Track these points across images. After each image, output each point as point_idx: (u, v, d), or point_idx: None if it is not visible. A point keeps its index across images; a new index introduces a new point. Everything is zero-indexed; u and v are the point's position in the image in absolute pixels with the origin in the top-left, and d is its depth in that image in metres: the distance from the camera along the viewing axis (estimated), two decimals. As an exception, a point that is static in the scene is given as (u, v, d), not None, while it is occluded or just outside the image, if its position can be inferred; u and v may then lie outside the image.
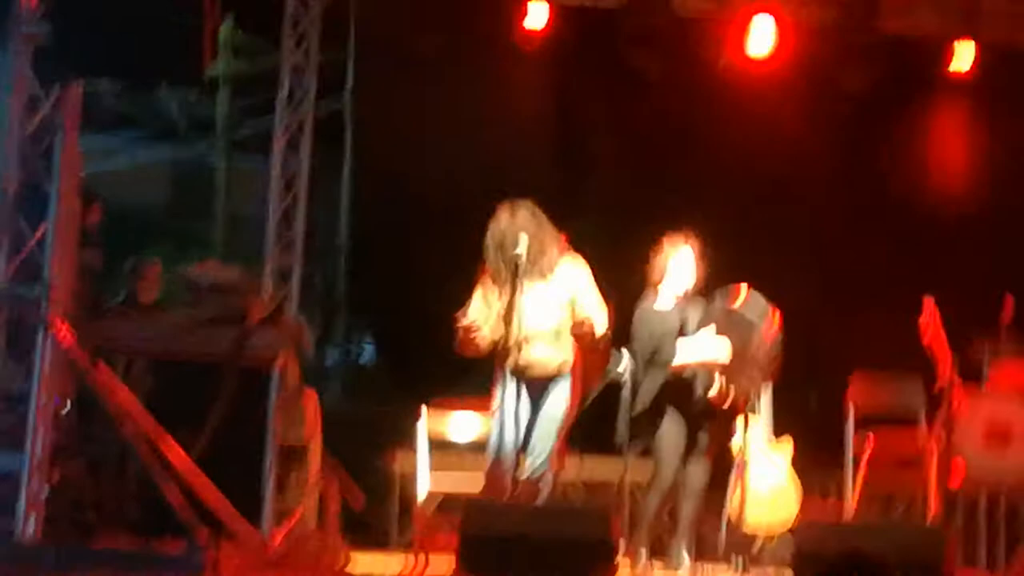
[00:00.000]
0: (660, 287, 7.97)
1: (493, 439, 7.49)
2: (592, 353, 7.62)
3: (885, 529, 7.75)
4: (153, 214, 14.16)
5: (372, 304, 11.86)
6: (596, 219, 11.52)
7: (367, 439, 9.61)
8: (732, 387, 7.76)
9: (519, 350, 7.40)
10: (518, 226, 7.41)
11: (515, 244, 7.36)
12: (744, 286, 7.81)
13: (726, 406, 7.84)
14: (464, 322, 7.36)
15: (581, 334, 7.46)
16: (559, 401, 7.53)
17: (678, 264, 7.92)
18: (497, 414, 7.48)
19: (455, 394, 9.00)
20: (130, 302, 9.07)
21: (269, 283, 9.55)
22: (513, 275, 7.32)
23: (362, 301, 12.02)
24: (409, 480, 9.06)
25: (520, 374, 7.45)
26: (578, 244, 7.63)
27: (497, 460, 7.46)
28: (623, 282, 7.99)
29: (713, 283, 7.98)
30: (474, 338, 7.38)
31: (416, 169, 10.60)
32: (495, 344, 7.41)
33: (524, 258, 7.33)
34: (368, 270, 11.67)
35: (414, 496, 8.80)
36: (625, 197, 10.86)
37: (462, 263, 7.68)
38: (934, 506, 8.30)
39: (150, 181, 14.14)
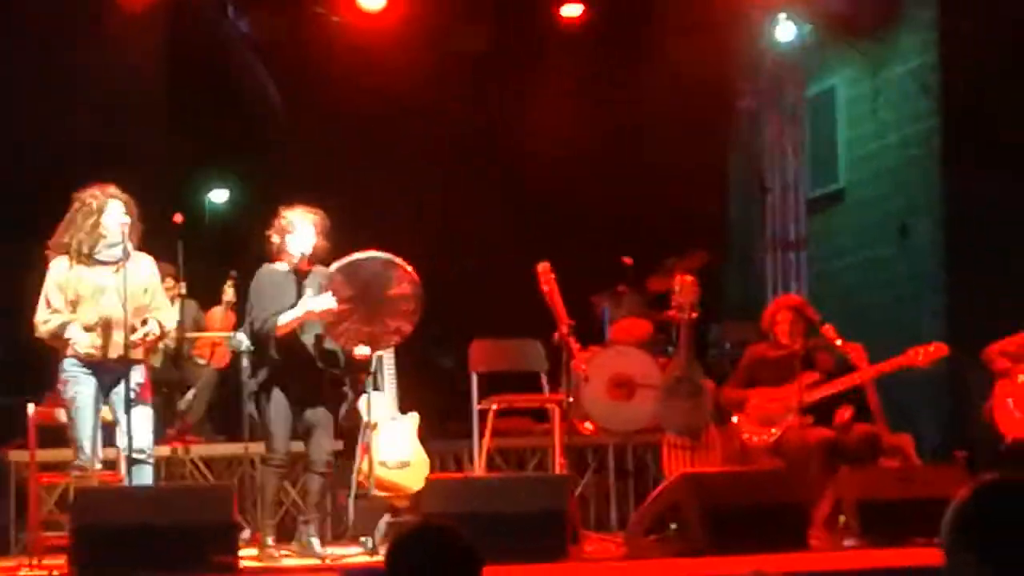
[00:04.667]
0: (280, 252, 7.76)
1: (75, 433, 7.25)
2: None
3: (508, 482, 7.79)
4: None
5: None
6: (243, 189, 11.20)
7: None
8: (366, 331, 7.55)
9: (96, 334, 7.20)
10: (118, 203, 7.27)
11: (114, 225, 7.23)
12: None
13: (361, 354, 7.65)
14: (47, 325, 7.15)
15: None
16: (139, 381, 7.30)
17: (297, 232, 7.70)
18: (73, 404, 7.25)
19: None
20: None
21: None
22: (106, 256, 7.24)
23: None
24: (24, 477, 8.58)
25: (96, 359, 7.23)
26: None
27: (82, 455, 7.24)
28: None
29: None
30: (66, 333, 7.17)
31: (28, 145, 10.00)
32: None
33: (120, 235, 7.22)
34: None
35: (29, 494, 8.29)
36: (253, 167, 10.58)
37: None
38: (560, 459, 8.35)
39: None
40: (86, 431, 7.22)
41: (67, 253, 7.24)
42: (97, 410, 7.26)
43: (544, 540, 7.01)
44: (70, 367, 7.23)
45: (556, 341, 8.09)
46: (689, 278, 8.29)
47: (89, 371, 7.23)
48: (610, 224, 10.66)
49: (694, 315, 8.19)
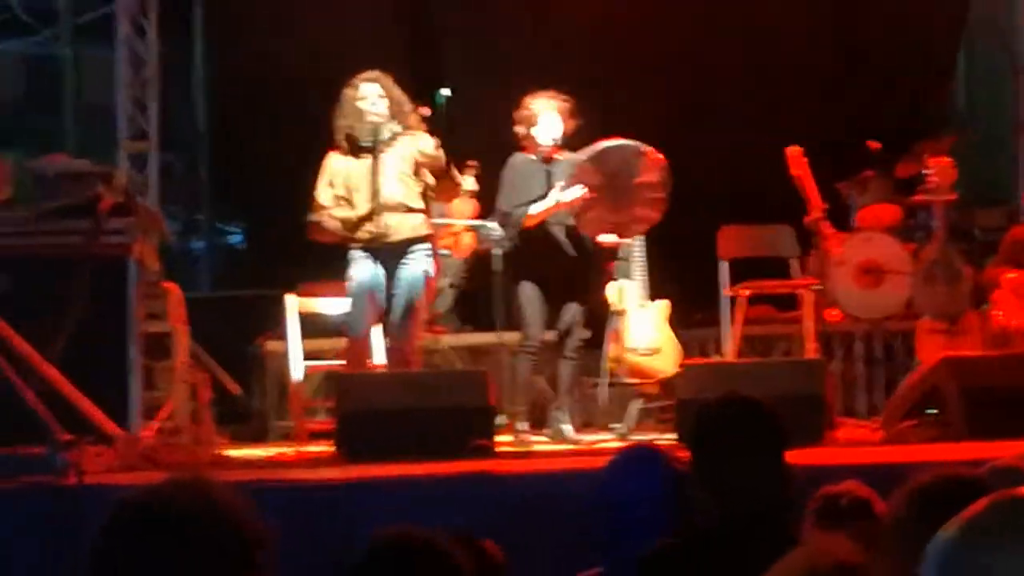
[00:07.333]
0: (527, 142, 7.78)
1: (351, 315, 7.37)
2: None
3: (763, 366, 7.74)
4: (3, 111, 13.63)
5: (237, 190, 11.52)
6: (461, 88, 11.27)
7: (238, 326, 9.40)
8: (613, 219, 7.55)
9: (371, 220, 7.28)
10: (379, 91, 7.33)
11: (374, 108, 7.29)
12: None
13: (608, 242, 7.67)
14: (317, 214, 7.27)
15: (436, 169, 7.35)
16: (418, 267, 7.36)
17: (541, 121, 7.71)
18: (352, 288, 7.35)
19: (327, 277, 8.76)
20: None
21: (123, 172, 9.22)
22: (371, 141, 7.27)
23: (227, 187, 11.69)
24: (283, 365, 8.84)
25: (373, 244, 7.32)
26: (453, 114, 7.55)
27: (355, 337, 7.37)
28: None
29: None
30: (327, 226, 7.31)
31: (274, 46, 10.24)
32: (347, 221, 7.34)
33: (382, 123, 7.27)
34: (232, 155, 11.32)
35: (289, 380, 8.54)
36: (485, 60, 10.60)
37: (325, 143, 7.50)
38: (811, 346, 8.27)
39: (-1, 77, 13.61)
40: (360, 315, 7.38)
41: (336, 147, 7.40)
42: (375, 294, 7.39)
43: (801, 424, 6.95)
44: (353, 252, 7.39)
45: (808, 226, 8.00)
46: (946, 160, 8.12)
47: (368, 255, 7.38)
48: (853, 108, 10.42)
49: (951, 198, 8.03)
